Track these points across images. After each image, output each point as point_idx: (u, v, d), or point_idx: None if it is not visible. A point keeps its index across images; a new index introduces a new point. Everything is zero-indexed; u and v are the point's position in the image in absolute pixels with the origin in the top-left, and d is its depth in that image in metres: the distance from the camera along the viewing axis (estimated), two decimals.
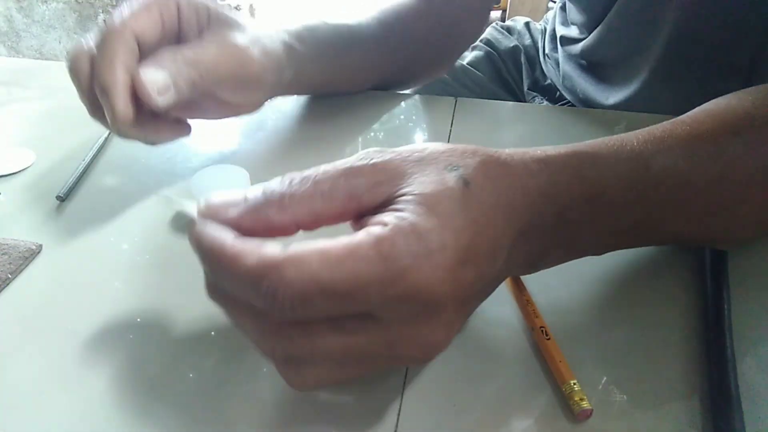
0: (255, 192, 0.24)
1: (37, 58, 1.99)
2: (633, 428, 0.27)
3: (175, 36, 0.39)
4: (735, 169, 0.30)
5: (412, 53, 0.56)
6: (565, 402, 0.28)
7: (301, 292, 0.20)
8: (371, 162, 0.24)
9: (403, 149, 0.26)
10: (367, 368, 0.25)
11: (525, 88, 0.75)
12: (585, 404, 0.27)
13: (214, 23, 0.39)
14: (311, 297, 0.21)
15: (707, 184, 0.30)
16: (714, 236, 0.33)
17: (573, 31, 0.66)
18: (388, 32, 0.54)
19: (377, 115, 0.52)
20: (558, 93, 0.72)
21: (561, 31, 0.69)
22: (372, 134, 0.49)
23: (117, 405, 0.29)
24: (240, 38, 0.39)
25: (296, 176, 0.24)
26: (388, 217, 0.22)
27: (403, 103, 0.54)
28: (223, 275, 0.23)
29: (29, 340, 0.32)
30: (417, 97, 0.55)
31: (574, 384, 0.28)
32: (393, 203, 0.23)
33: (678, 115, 0.34)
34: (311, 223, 0.24)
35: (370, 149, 0.25)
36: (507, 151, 0.28)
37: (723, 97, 0.35)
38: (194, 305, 0.34)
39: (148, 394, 0.29)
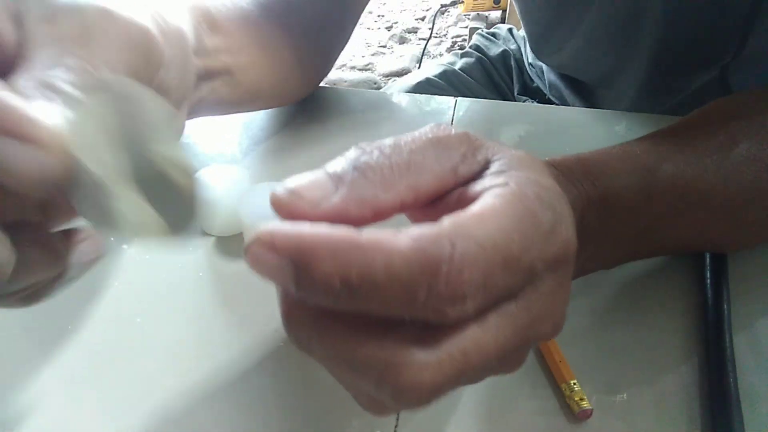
0: (345, 170, 0.18)
1: None
2: (633, 428, 0.27)
3: None
4: (740, 173, 0.30)
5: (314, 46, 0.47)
6: (565, 402, 0.28)
7: (487, 269, 0.16)
8: (451, 132, 0.21)
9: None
10: (504, 367, 0.21)
11: (515, 92, 0.76)
12: (585, 404, 0.27)
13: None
14: (495, 272, 0.16)
15: (713, 190, 0.30)
16: (721, 242, 0.33)
17: (538, 44, 0.66)
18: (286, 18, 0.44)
19: (377, 115, 0.52)
20: (547, 97, 0.73)
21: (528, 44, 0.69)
22: (372, 134, 0.49)
23: (116, 405, 0.29)
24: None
25: (381, 147, 0.19)
26: (501, 179, 0.19)
27: (403, 103, 0.54)
28: (355, 285, 0.15)
29: (29, 340, 0.32)
30: (417, 97, 0.55)
31: (574, 384, 0.28)
32: (490, 169, 0.20)
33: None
34: (412, 203, 0.19)
35: (427, 126, 0.22)
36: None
37: (724, 99, 0.35)
38: (194, 305, 0.34)
39: (147, 394, 0.29)
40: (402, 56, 2.13)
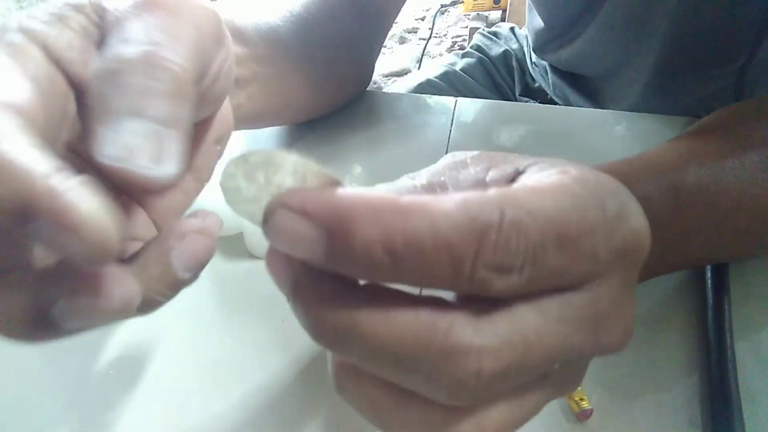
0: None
1: None
2: (633, 428, 0.27)
3: None
4: (759, 185, 0.29)
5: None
6: (565, 402, 0.28)
7: (538, 242, 0.15)
8: (470, 154, 0.20)
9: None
10: (562, 380, 0.18)
11: (517, 94, 0.76)
12: (585, 404, 0.27)
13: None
14: (547, 247, 0.15)
15: (734, 204, 0.29)
16: (740, 256, 0.33)
17: (543, 40, 0.66)
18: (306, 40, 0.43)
19: (377, 115, 0.52)
20: (549, 96, 0.72)
21: (534, 42, 0.69)
22: (372, 134, 0.49)
23: (116, 405, 0.29)
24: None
25: (414, 182, 0.19)
26: (553, 169, 0.17)
27: (403, 103, 0.54)
28: (399, 252, 0.14)
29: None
30: (417, 97, 0.55)
31: None
32: (527, 172, 0.19)
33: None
34: None
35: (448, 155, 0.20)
36: None
37: (739, 105, 0.34)
38: (194, 305, 0.34)
39: (147, 394, 0.29)
40: (402, 56, 2.13)
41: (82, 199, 0.14)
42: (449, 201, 0.14)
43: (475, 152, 0.20)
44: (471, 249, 0.14)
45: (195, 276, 0.19)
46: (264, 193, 0.16)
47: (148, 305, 0.19)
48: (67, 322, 0.17)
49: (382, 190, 0.16)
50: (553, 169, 0.17)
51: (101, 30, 0.19)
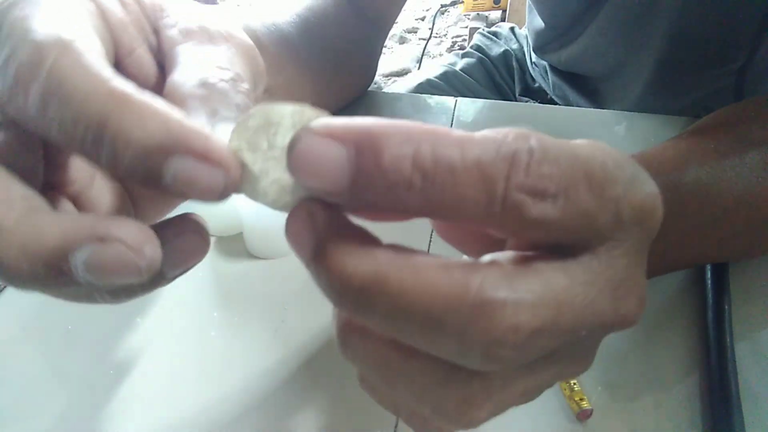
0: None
1: None
2: (633, 428, 0.27)
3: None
4: (760, 184, 0.29)
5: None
6: (565, 402, 0.28)
7: (569, 174, 0.15)
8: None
9: None
10: (578, 356, 0.18)
11: (517, 94, 0.76)
12: (585, 404, 0.27)
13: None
14: (578, 183, 0.15)
15: (733, 203, 0.29)
16: (739, 255, 0.33)
17: (543, 40, 0.66)
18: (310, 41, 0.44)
19: (377, 115, 0.52)
20: (549, 96, 0.72)
21: (534, 41, 0.69)
22: None
23: (117, 405, 0.29)
24: (214, 18, 0.23)
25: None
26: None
27: (403, 103, 0.54)
28: (429, 170, 0.14)
29: (29, 340, 0.32)
30: (417, 97, 0.55)
31: (574, 384, 0.28)
32: None
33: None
34: None
35: None
36: None
37: (739, 105, 0.34)
38: (195, 305, 0.34)
39: (147, 394, 0.29)
40: (402, 56, 2.13)
41: (221, 139, 0.16)
42: (480, 132, 0.14)
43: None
44: (503, 169, 0.14)
45: (170, 278, 0.19)
46: (270, 162, 0.16)
47: (126, 294, 0.18)
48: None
49: None
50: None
51: (155, 33, 0.22)
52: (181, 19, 0.22)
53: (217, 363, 0.31)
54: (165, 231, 0.18)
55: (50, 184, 0.20)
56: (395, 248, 0.15)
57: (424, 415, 0.16)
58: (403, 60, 2.10)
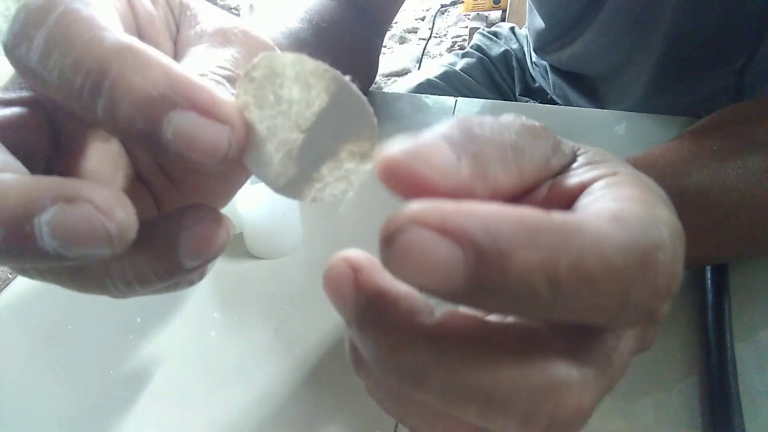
0: (461, 139, 0.14)
1: None
2: (633, 428, 0.27)
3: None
4: (761, 187, 0.29)
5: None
6: None
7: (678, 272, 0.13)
8: (535, 122, 0.18)
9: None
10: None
11: (517, 94, 0.76)
12: None
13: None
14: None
15: (735, 206, 0.29)
16: (739, 256, 0.33)
17: (544, 40, 0.66)
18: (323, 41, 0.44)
19: (377, 115, 0.52)
20: (549, 96, 0.72)
21: (535, 42, 0.69)
22: None
23: (117, 405, 0.29)
24: (235, 21, 0.23)
25: (487, 121, 0.16)
26: (603, 169, 0.17)
27: (403, 103, 0.54)
28: (563, 281, 0.12)
29: (29, 340, 0.32)
30: (417, 97, 0.55)
31: None
32: (578, 161, 0.18)
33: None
34: (518, 190, 0.16)
35: (505, 115, 0.18)
36: None
37: (741, 105, 0.34)
38: (194, 305, 0.34)
39: (147, 394, 0.29)
40: (402, 56, 2.13)
41: (224, 93, 0.15)
42: (601, 220, 0.12)
43: (540, 123, 0.18)
44: (639, 273, 0.12)
45: (194, 274, 0.18)
46: (278, 119, 0.15)
47: (139, 282, 0.17)
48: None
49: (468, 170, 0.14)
50: (602, 168, 0.17)
51: (178, 30, 0.22)
52: (201, 20, 0.21)
53: (217, 363, 0.31)
54: (184, 217, 0.17)
55: (63, 174, 0.20)
56: (452, 318, 0.14)
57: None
58: (403, 60, 2.10)
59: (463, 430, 0.15)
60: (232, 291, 0.35)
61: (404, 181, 0.13)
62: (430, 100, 0.54)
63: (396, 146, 0.13)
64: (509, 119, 0.17)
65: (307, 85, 0.15)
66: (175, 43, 0.21)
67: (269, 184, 0.16)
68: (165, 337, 0.32)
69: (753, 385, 0.28)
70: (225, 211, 0.39)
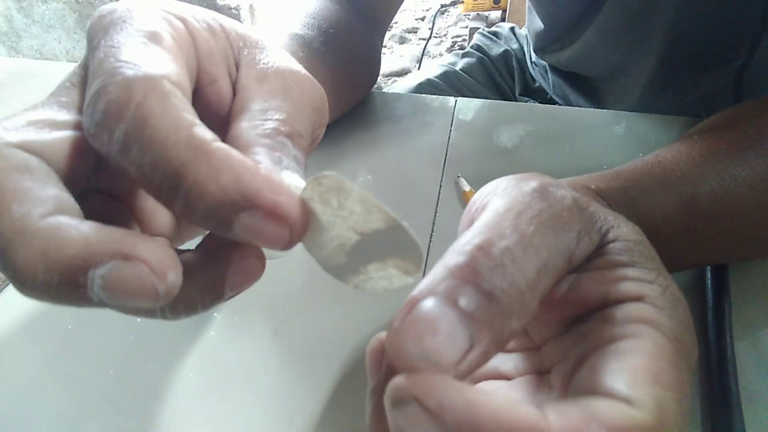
0: (472, 300, 0.15)
1: (37, 58, 2.00)
2: None
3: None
4: (767, 191, 0.29)
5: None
6: None
7: None
8: (563, 203, 0.18)
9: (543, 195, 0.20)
10: None
11: (517, 93, 0.76)
12: None
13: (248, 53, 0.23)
14: None
15: (742, 212, 0.29)
16: (740, 259, 0.33)
17: (543, 41, 0.66)
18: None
19: (377, 115, 0.52)
20: (549, 96, 0.72)
21: (535, 43, 0.69)
22: (372, 134, 0.49)
23: (117, 405, 0.29)
24: (292, 62, 0.23)
25: (506, 248, 0.17)
26: (635, 311, 0.17)
27: (403, 103, 0.54)
28: None
29: (29, 340, 0.32)
30: (417, 97, 0.55)
31: None
32: (608, 253, 0.19)
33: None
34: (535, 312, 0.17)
35: (532, 188, 0.19)
36: (572, 187, 0.23)
37: (747, 104, 0.34)
38: None
39: (147, 394, 0.29)
40: (402, 56, 2.13)
41: (292, 193, 0.16)
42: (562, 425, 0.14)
43: (569, 202, 0.19)
44: None
45: (227, 299, 0.19)
46: (338, 218, 0.17)
47: (186, 310, 0.18)
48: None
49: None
50: (641, 312, 0.17)
51: (235, 58, 0.22)
52: (261, 59, 0.22)
53: (217, 363, 0.31)
54: (231, 253, 0.18)
55: (98, 189, 0.20)
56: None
57: None
58: (403, 60, 2.10)
59: None
60: None
61: (418, 382, 0.14)
62: (431, 100, 0.54)
63: (407, 347, 0.15)
64: (533, 215, 0.17)
65: (368, 212, 0.16)
66: (234, 83, 0.22)
67: (319, 262, 0.18)
68: (165, 337, 0.32)
69: (753, 385, 0.28)
70: None
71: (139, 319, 0.33)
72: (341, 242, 0.17)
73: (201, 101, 0.21)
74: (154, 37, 0.18)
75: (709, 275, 0.33)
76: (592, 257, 0.19)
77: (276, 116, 0.20)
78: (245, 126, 0.19)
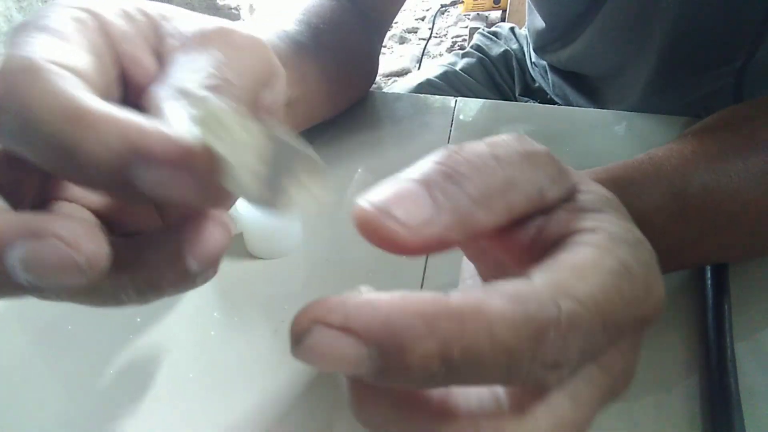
0: (438, 181, 0.15)
1: None
2: (633, 428, 0.27)
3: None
4: (763, 189, 0.29)
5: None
6: None
7: (589, 332, 0.15)
8: (539, 148, 0.18)
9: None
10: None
11: (517, 94, 0.76)
12: None
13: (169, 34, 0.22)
14: (595, 336, 0.15)
15: (738, 208, 0.29)
16: (742, 257, 0.33)
17: (544, 40, 0.66)
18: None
19: (377, 115, 0.52)
20: (549, 96, 0.73)
21: (535, 42, 0.69)
22: (373, 135, 0.49)
23: (117, 405, 0.29)
24: (217, 21, 0.22)
25: (474, 154, 0.16)
26: (589, 222, 0.17)
27: (403, 103, 0.54)
28: (456, 362, 0.13)
29: (29, 340, 0.32)
30: (417, 97, 0.55)
31: None
32: (576, 202, 0.18)
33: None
34: (502, 225, 0.17)
35: (508, 135, 0.18)
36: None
37: (744, 105, 0.34)
38: (194, 305, 0.34)
39: (147, 394, 0.29)
40: (402, 56, 2.13)
41: (183, 138, 0.15)
42: (502, 299, 0.14)
43: (545, 149, 0.18)
44: (529, 351, 0.14)
45: (203, 273, 0.19)
46: (237, 149, 0.16)
47: (152, 290, 0.18)
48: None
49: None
50: (588, 221, 0.17)
51: (159, 42, 0.22)
52: (179, 26, 0.22)
53: (217, 363, 0.31)
54: (185, 223, 0.18)
55: (55, 196, 0.20)
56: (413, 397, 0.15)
57: None
58: (403, 60, 2.10)
59: None
60: (232, 291, 0.35)
61: (377, 236, 0.14)
62: (431, 100, 0.54)
63: (371, 197, 0.15)
64: (508, 145, 0.17)
65: (245, 129, 0.16)
66: (160, 56, 0.22)
67: (245, 198, 0.17)
68: (165, 337, 0.32)
69: (753, 385, 0.28)
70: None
71: (139, 319, 0.33)
72: (251, 171, 0.16)
73: (130, 83, 0.21)
74: (49, 31, 0.18)
75: (709, 275, 0.33)
76: (562, 203, 0.18)
77: (194, 70, 0.19)
78: (153, 89, 0.19)
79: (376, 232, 0.14)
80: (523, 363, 0.14)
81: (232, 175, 0.16)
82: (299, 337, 0.13)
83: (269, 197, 0.16)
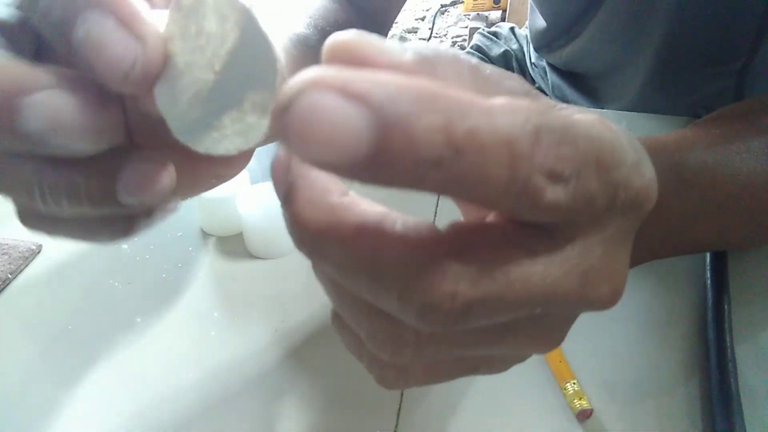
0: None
1: None
2: (633, 428, 0.27)
3: None
4: (765, 172, 0.29)
5: None
6: (564, 402, 0.28)
7: (583, 157, 0.14)
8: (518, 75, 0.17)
9: None
10: (542, 336, 0.18)
11: None
12: (585, 404, 0.27)
13: None
14: (589, 167, 0.14)
15: (738, 188, 0.29)
16: (742, 242, 0.33)
17: (545, 39, 0.66)
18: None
19: None
20: (549, 96, 0.73)
21: (535, 41, 0.69)
22: None
23: (116, 405, 0.29)
24: None
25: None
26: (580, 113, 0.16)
27: None
28: (460, 145, 0.12)
29: (29, 340, 0.32)
30: None
31: (574, 384, 0.28)
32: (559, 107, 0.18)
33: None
34: None
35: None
36: None
37: (744, 102, 0.34)
38: (194, 305, 0.34)
39: (147, 394, 0.29)
40: None
41: (155, 22, 0.15)
42: (499, 98, 0.13)
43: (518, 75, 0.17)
44: (527, 148, 0.12)
45: (123, 203, 0.18)
46: (196, 55, 0.15)
47: (68, 196, 0.17)
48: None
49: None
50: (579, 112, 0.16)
51: None
52: None
53: (217, 363, 0.31)
54: (133, 150, 0.17)
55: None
56: (358, 204, 0.15)
57: (391, 309, 0.15)
58: None
59: (376, 322, 0.16)
60: (232, 291, 0.35)
61: (344, 56, 0.13)
62: None
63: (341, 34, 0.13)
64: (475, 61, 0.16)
65: (222, 17, 0.15)
66: None
67: (170, 123, 0.16)
68: (165, 337, 0.32)
69: (753, 385, 0.28)
70: (226, 213, 0.39)
71: (139, 319, 0.33)
72: (198, 89, 0.15)
73: None
74: None
75: (709, 275, 0.33)
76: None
77: None
78: None
79: (345, 53, 0.13)
80: (524, 161, 0.12)
81: (172, 91, 0.15)
82: (289, 104, 0.11)
83: (196, 132, 0.16)
